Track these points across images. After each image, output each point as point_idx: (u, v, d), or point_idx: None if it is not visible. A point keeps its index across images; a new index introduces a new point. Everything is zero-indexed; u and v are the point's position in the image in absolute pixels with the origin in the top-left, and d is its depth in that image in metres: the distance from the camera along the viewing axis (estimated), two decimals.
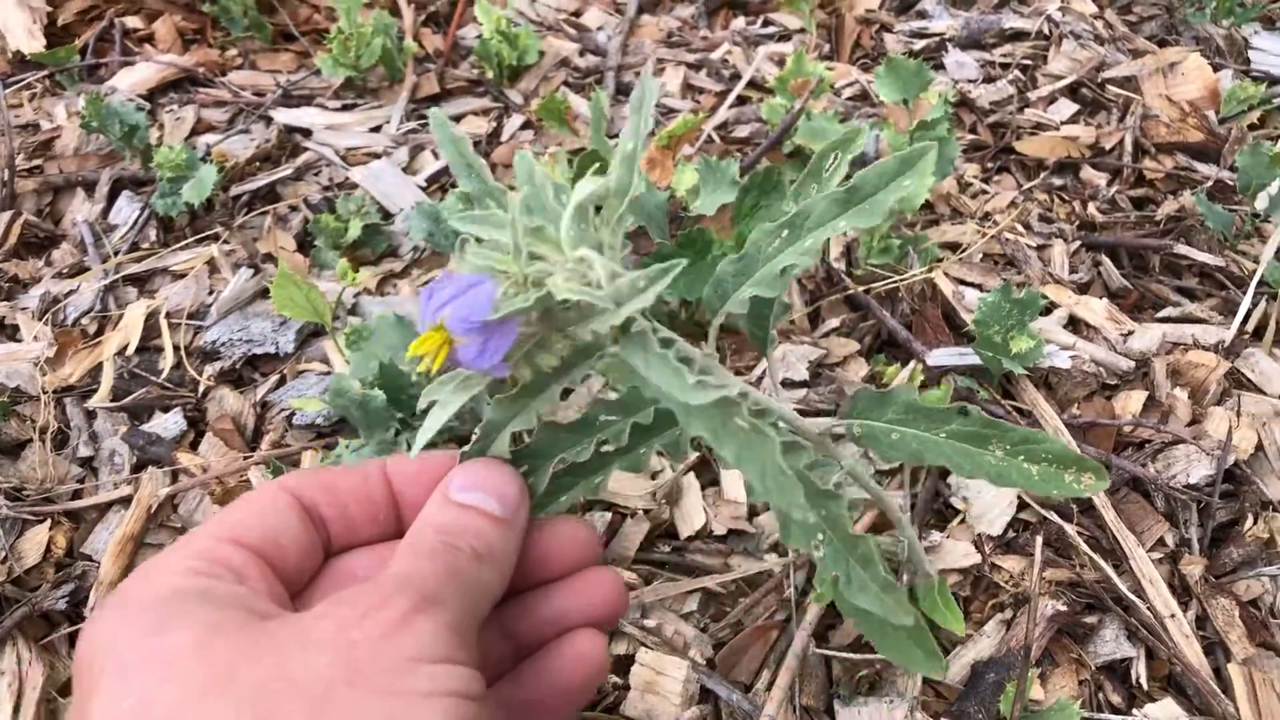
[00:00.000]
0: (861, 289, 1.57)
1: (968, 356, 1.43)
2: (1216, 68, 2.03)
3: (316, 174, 1.76)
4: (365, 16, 1.93)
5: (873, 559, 0.71)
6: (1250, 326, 1.57)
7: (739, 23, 2.12)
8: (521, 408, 0.66)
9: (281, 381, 1.46)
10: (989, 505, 1.35)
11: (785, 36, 2.08)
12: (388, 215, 1.69)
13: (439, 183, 1.76)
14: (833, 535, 0.71)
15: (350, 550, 0.65)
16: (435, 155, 1.79)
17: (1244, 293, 1.58)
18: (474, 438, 0.66)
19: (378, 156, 1.78)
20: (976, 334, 1.37)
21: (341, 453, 1.23)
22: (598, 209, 0.61)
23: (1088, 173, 1.84)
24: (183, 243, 1.61)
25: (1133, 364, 1.47)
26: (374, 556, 0.64)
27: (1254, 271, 1.59)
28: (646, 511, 1.32)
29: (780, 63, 2.01)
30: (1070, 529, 1.33)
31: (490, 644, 0.66)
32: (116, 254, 1.59)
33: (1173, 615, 1.24)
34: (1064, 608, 1.26)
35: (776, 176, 1.37)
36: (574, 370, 0.66)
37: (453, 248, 1.53)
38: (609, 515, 1.31)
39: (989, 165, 1.83)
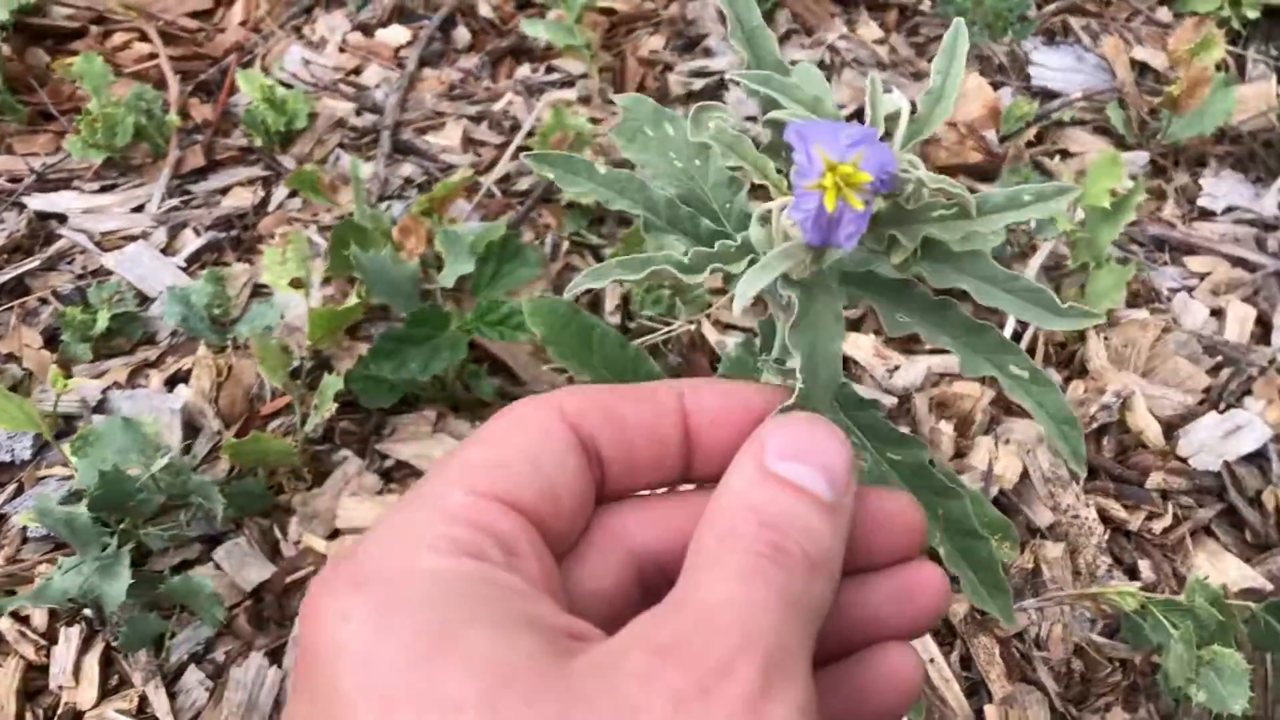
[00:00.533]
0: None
1: None
2: (997, 85, 2.04)
3: (70, 262, 1.68)
4: (123, 91, 1.86)
5: (992, 562, 0.68)
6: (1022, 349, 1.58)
7: (523, 71, 2.09)
8: (828, 337, 0.56)
9: (19, 491, 1.39)
10: None
11: (569, 82, 2.05)
12: (146, 300, 1.63)
13: (200, 260, 1.70)
14: (950, 534, 0.68)
15: (620, 500, 0.54)
16: (196, 232, 1.73)
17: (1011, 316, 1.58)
18: (797, 386, 0.54)
19: (137, 238, 1.71)
20: None
21: (54, 574, 1.16)
22: None
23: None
24: None
25: (896, 400, 1.46)
26: (649, 516, 0.53)
27: None
28: None
29: (568, 108, 1.98)
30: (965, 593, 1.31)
31: None
32: None
33: (932, 660, 1.23)
34: None
35: (515, 244, 1.33)
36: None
37: (206, 331, 1.48)
38: None
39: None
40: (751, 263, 0.55)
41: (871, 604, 0.54)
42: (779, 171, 0.55)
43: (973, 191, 1.51)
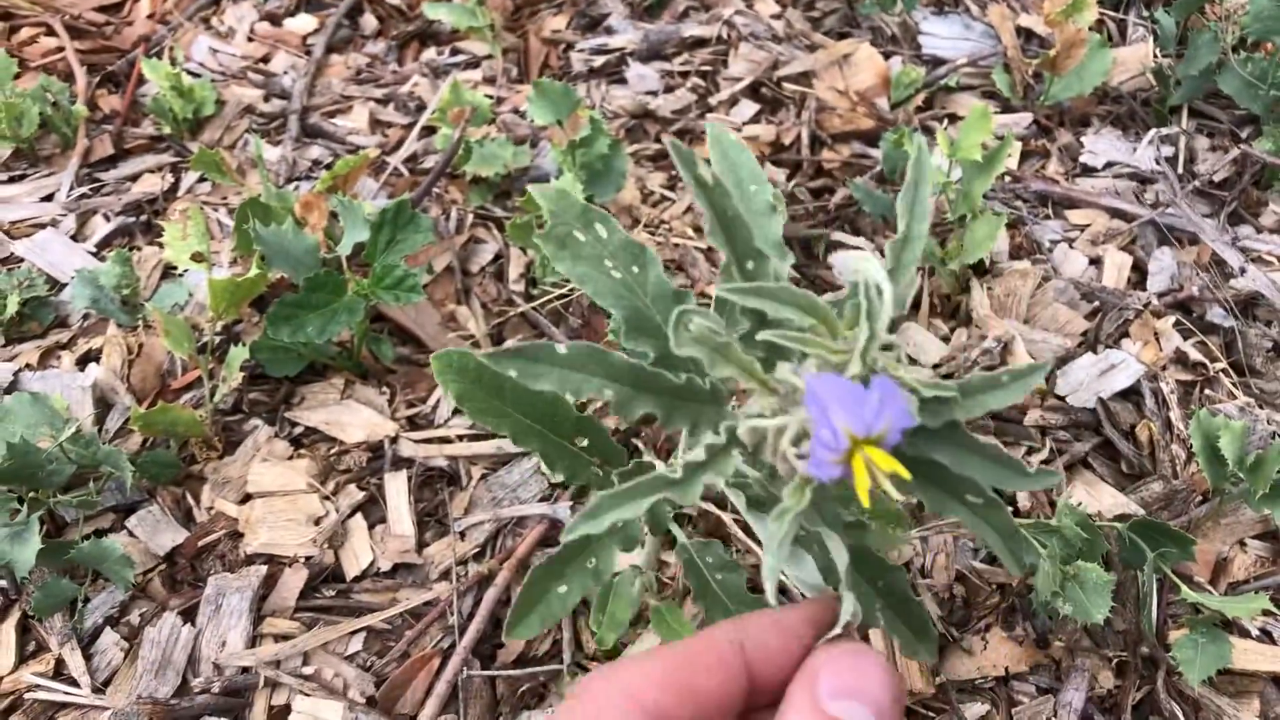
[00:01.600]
0: (532, 307, 1.60)
1: None
2: (889, 55, 2.12)
3: None
4: (30, 84, 1.88)
5: (925, 622, 0.75)
6: (908, 302, 1.65)
7: (429, 54, 2.13)
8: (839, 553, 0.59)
9: None
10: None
11: (474, 64, 2.10)
12: (57, 285, 1.65)
13: (110, 246, 1.72)
14: (888, 603, 0.75)
15: None
16: (106, 218, 1.76)
17: None
18: (842, 604, 0.57)
19: (46, 226, 1.74)
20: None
21: None
22: None
23: (769, 170, 1.90)
24: None
25: None
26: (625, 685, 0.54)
27: None
28: (308, 559, 1.32)
29: (473, 88, 2.03)
30: (727, 517, 1.37)
31: None
32: None
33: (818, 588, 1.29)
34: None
35: (407, 211, 1.38)
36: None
37: (116, 311, 1.50)
38: (265, 568, 1.30)
39: (673, 174, 1.88)
40: (738, 448, 0.59)
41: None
42: (767, 367, 0.58)
43: (864, 157, 1.58)
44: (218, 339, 1.52)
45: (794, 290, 0.57)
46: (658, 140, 1.95)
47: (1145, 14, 2.22)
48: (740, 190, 0.69)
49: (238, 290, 1.36)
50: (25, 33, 2.12)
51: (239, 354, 1.38)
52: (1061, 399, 1.52)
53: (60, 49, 2.07)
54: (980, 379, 0.59)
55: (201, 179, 1.82)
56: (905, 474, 0.50)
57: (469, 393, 0.84)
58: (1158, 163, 1.91)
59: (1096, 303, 1.65)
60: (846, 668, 0.53)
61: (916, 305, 1.64)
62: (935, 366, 1.54)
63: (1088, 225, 1.79)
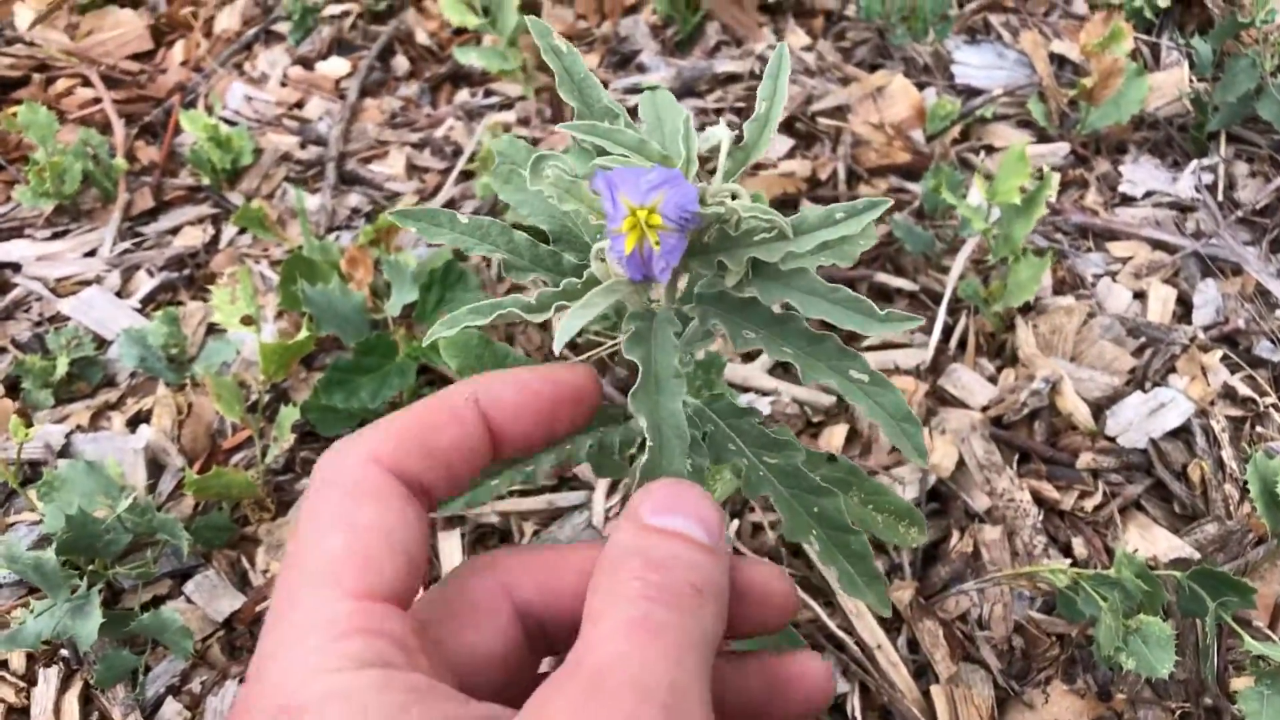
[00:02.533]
0: (579, 359, 1.60)
1: None
2: (922, 86, 2.11)
3: (26, 310, 1.72)
4: (70, 137, 1.90)
5: (865, 554, 0.74)
6: (954, 342, 1.64)
7: (462, 95, 2.14)
8: (662, 409, 0.62)
9: None
10: None
11: (508, 105, 2.10)
12: (104, 344, 1.66)
13: (154, 301, 1.73)
14: (824, 531, 0.74)
15: (497, 558, 0.58)
16: (150, 274, 1.77)
17: (940, 309, 1.65)
18: (643, 459, 0.60)
19: (90, 283, 1.75)
20: None
21: (26, 618, 1.20)
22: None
23: (806, 206, 1.89)
24: None
25: (834, 399, 1.52)
26: (528, 573, 0.56)
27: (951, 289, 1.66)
28: None
29: (506, 131, 2.03)
30: (838, 587, 1.36)
31: None
32: None
33: (879, 646, 1.29)
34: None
35: (457, 270, 1.38)
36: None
37: (164, 370, 1.51)
38: None
39: None
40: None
41: (748, 690, 0.59)
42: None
43: (901, 192, 1.59)
44: (267, 397, 1.53)
45: (628, 132, 0.61)
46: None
47: (1178, 37, 2.21)
48: (661, 123, 0.70)
49: (288, 353, 1.36)
50: (62, 84, 2.13)
51: (290, 414, 1.38)
52: (1112, 440, 1.51)
53: (97, 100, 2.09)
54: (816, 215, 0.61)
55: (242, 230, 1.83)
56: (658, 219, 0.54)
57: (472, 369, 0.87)
58: (1197, 190, 1.90)
59: (1143, 338, 1.64)
60: (668, 494, 0.55)
61: (962, 344, 1.63)
62: (984, 409, 1.54)
63: (1130, 258, 1.78)
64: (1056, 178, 1.76)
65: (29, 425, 1.29)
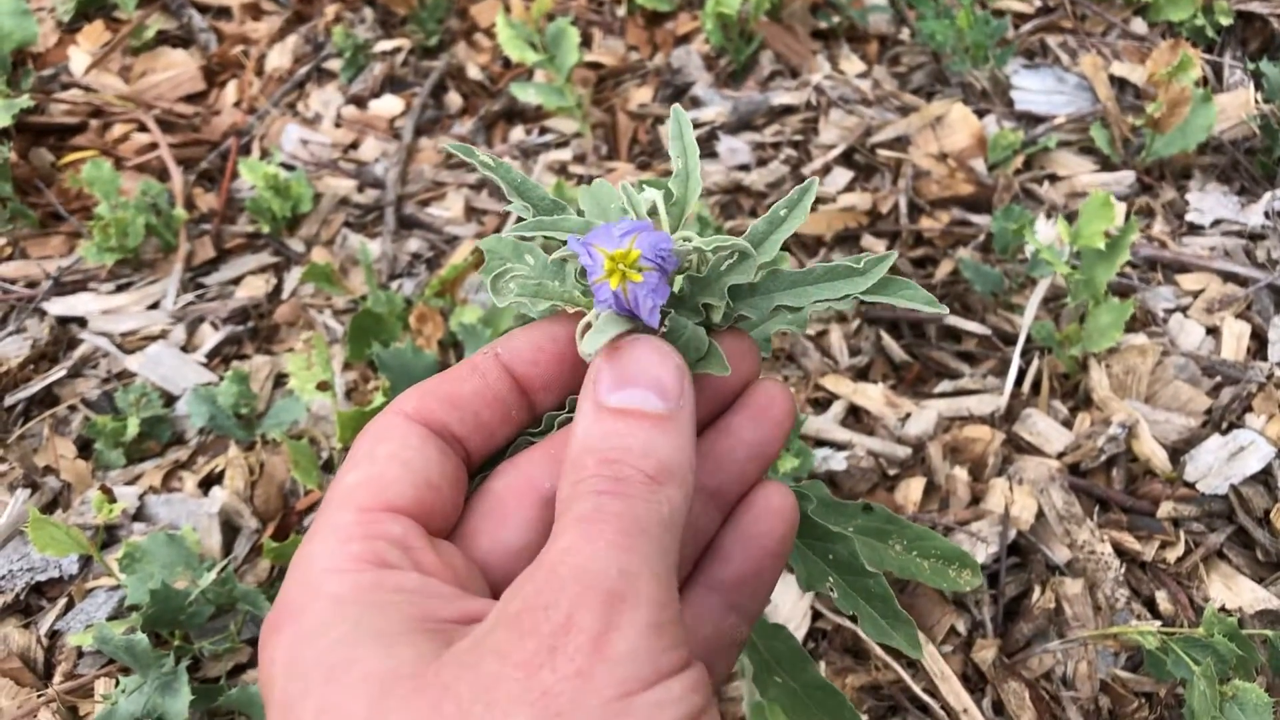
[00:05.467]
0: None
1: None
2: (982, 113, 2.09)
3: (94, 367, 1.72)
4: (130, 187, 1.90)
5: (887, 595, 0.74)
6: (1027, 384, 1.62)
7: (517, 133, 2.13)
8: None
9: (70, 605, 1.43)
10: (786, 618, 1.37)
11: (563, 142, 2.09)
12: (171, 400, 1.67)
13: (220, 355, 1.74)
14: (842, 577, 0.74)
15: (494, 467, 0.60)
16: (214, 326, 1.77)
17: (1015, 352, 1.62)
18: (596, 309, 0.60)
19: (156, 338, 1.75)
20: None
21: (117, 698, 1.20)
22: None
23: (868, 240, 1.88)
24: None
25: (910, 450, 1.50)
26: (517, 473, 0.59)
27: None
28: None
29: (560, 170, 2.03)
30: (864, 633, 1.35)
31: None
32: None
33: (965, 710, 1.28)
34: (865, 716, 1.28)
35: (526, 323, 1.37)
36: None
37: (233, 429, 1.52)
38: None
39: None
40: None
41: (736, 432, 0.62)
42: (585, 294, 0.61)
43: (965, 225, 1.57)
44: (340, 457, 1.53)
45: (574, 217, 0.62)
46: (753, 214, 1.93)
47: (1241, 56, 2.17)
48: (603, 207, 0.70)
49: (364, 418, 1.36)
50: (118, 129, 2.14)
51: None
52: (1191, 486, 1.48)
53: (153, 145, 2.09)
54: (763, 221, 0.63)
55: (302, 282, 1.83)
56: (636, 254, 0.55)
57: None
58: (1268, 217, 1.86)
59: (1218, 377, 1.61)
60: (625, 359, 0.56)
61: (1036, 388, 1.61)
62: (1060, 455, 1.52)
63: (1201, 290, 1.75)
64: (1120, 201, 1.74)
65: (112, 500, 1.29)
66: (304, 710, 0.46)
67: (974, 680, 1.33)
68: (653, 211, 0.62)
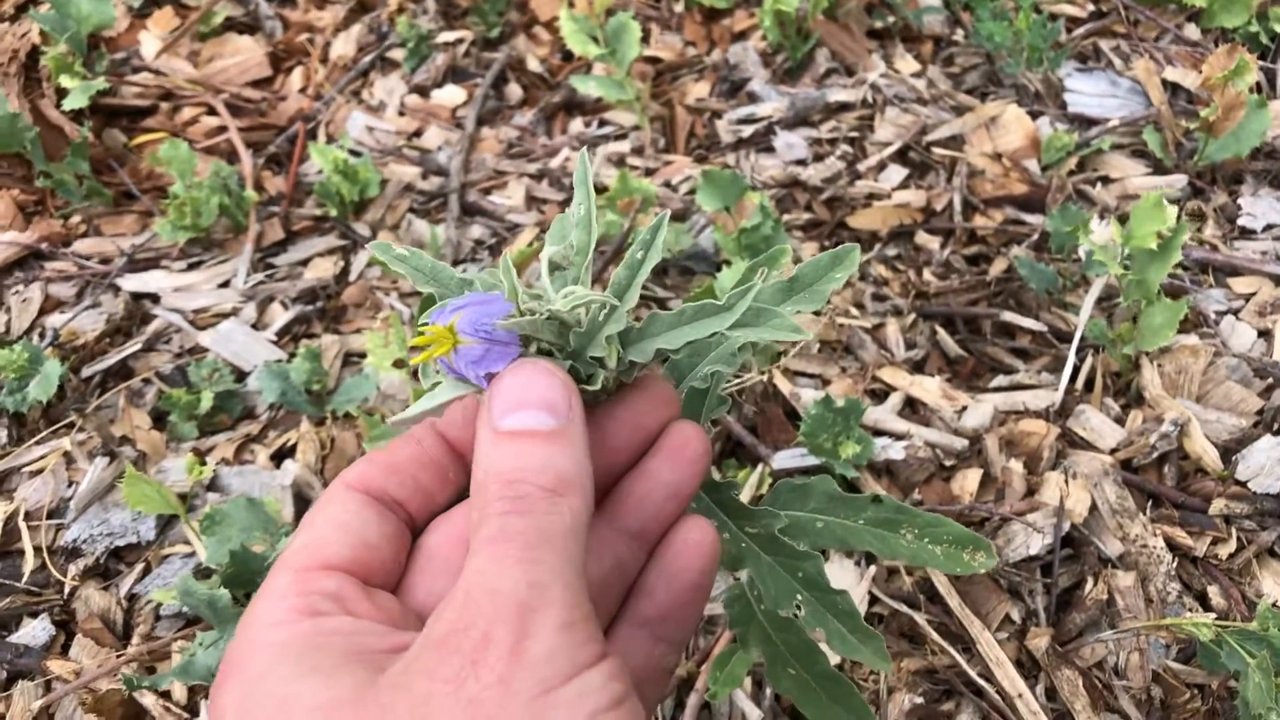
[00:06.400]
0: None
1: (810, 456, 1.48)
2: (1035, 115, 2.11)
3: (167, 342, 1.77)
4: (202, 168, 1.95)
5: (853, 611, 0.76)
6: (1080, 381, 1.65)
7: (576, 125, 2.17)
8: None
9: (147, 570, 1.48)
10: None
11: (622, 135, 2.13)
12: (241, 375, 1.72)
13: (290, 333, 1.78)
14: (810, 594, 0.77)
15: (430, 524, 0.64)
16: (284, 306, 1.82)
17: (1070, 350, 1.65)
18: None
19: (227, 315, 1.80)
20: (807, 443, 1.43)
21: (196, 650, 1.25)
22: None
23: (922, 237, 1.90)
24: (37, 437, 1.62)
25: (967, 442, 1.53)
26: (449, 527, 0.63)
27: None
28: None
29: (619, 162, 2.06)
30: (920, 618, 1.38)
31: (607, 550, 0.64)
32: None
33: (1020, 695, 1.31)
34: (920, 699, 1.31)
35: None
36: None
37: (304, 405, 1.56)
38: None
39: (825, 244, 1.89)
40: None
41: (654, 474, 0.66)
42: None
43: (1019, 224, 1.59)
44: None
45: (466, 294, 0.65)
46: (808, 209, 1.96)
47: None
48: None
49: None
50: (188, 113, 2.19)
51: None
52: (1243, 484, 1.51)
53: (222, 128, 2.14)
54: (623, 272, 0.65)
55: (370, 264, 1.88)
56: (454, 341, 0.59)
57: None
58: None
59: (1270, 379, 1.64)
60: (514, 383, 0.59)
61: (1090, 385, 1.64)
62: (1113, 451, 1.54)
63: (1253, 294, 1.78)
64: (1173, 205, 1.75)
65: (203, 463, 1.33)
66: None
67: (1028, 667, 1.36)
68: (554, 266, 0.65)
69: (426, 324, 0.61)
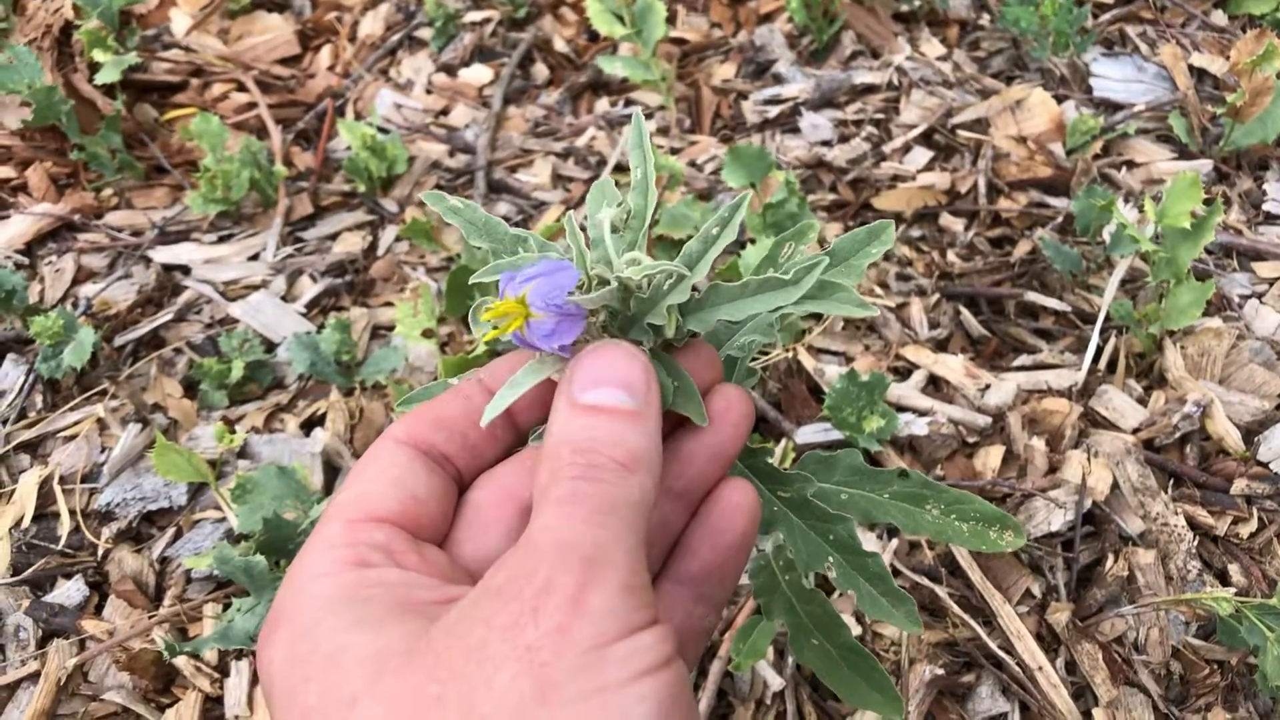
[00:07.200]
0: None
1: (833, 432, 1.50)
2: (1061, 99, 2.11)
3: (198, 312, 1.80)
4: (233, 143, 1.97)
5: (884, 574, 0.78)
6: (1103, 362, 1.66)
7: (602, 104, 2.18)
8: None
9: (178, 534, 1.50)
10: None
11: (648, 115, 2.14)
12: (271, 346, 1.74)
13: (319, 306, 1.80)
14: (841, 556, 0.78)
15: (476, 480, 0.64)
16: (313, 279, 1.84)
17: (1094, 330, 1.66)
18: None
19: (257, 287, 1.82)
20: (831, 416, 1.44)
21: (234, 615, 1.27)
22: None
23: (946, 219, 1.91)
24: (71, 403, 1.65)
25: (989, 419, 1.55)
26: (497, 484, 0.63)
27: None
28: None
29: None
30: (941, 591, 1.40)
31: (653, 508, 0.63)
32: (5, 422, 1.62)
33: (1040, 668, 1.32)
34: (941, 670, 1.33)
35: None
36: None
37: (333, 375, 1.58)
38: None
39: (850, 225, 1.90)
40: None
41: (698, 435, 0.67)
42: None
43: (1043, 207, 1.61)
44: None
45: (526, 255, 0.66)
46: (833, 190, 1.97)
47: None
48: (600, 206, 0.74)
49: (466, 365, 1.41)
50: (217, 89, 2.21)
51: None
52: (1265, 465, 1.51)
53: (252, 105, 2.16)
54: (697, 241, 0.66)
55: (399, 237, 1.89)
56: (526, 314, 0.59)
57: None
58: None
59: None
60: (597, 361, 0.60)
61: (1112, 366, 1.65)
62: (1135, 431, 1.55)
63: (1277, 278, 1.78)
64: (1221, 203, 1.76)
65: (232, 431, 1.35)
66: (307, 695, 0.50)
67: (1048, 640, 1.37)
68: (595, 242, 0.65)
69: (496, 298, 0.61)
